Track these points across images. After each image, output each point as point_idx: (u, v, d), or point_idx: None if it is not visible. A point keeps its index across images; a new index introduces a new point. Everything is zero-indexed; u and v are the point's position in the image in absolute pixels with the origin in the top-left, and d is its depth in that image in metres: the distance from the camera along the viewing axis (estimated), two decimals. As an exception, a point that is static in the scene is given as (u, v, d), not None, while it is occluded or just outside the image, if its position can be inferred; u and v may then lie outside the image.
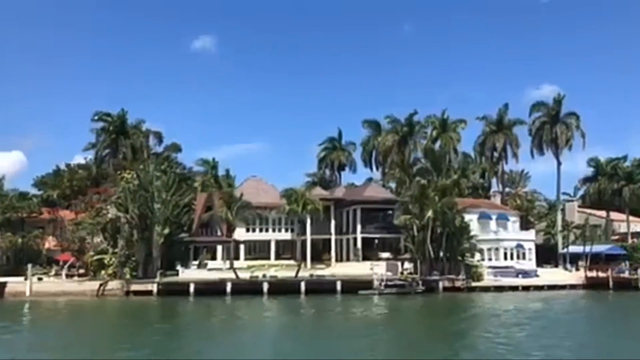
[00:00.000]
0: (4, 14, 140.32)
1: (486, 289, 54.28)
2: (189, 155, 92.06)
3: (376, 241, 64.82)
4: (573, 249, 68.97)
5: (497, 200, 80.00)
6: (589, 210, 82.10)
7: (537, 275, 59.84)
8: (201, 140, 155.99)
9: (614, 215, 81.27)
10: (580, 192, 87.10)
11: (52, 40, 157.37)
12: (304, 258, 63.03)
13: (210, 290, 49.72)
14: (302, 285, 50.86)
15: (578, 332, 30.18)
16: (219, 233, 60.97)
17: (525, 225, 75.03)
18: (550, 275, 61.49)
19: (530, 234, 70.57)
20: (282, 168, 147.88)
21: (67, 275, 56.07)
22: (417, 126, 74.00)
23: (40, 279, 54.01)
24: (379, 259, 59.99)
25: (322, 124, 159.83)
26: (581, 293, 54.34)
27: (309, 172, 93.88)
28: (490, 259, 65.41)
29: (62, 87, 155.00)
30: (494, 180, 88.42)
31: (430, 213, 53.14)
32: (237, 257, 62.92)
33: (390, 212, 63.09)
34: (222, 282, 50.99)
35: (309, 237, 63.45)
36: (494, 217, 70.85)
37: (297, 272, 53.40)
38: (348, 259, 64.81)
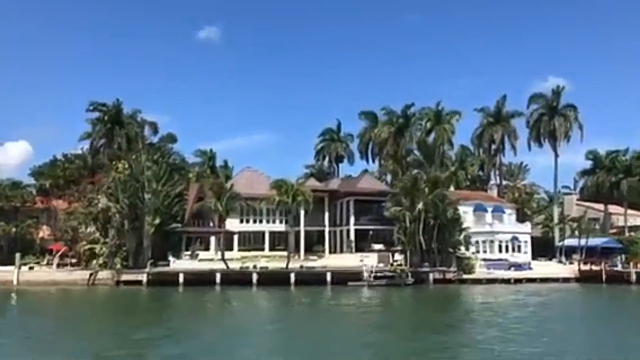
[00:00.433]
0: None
1: (478, 281, 54.08)
2: (193, 146, 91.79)
3: (371, 233, 64.58)
4: (569, 242, 68.51)
5: (494, 192, 79.73)
6: (587, 204, 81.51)
7: (530, 268, 59.52)
8: (206, 131, 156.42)
9: (613, 208, 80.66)
10: (580, 185, 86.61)
11: (57, 31, 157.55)
12: (297, 249, 63.09)
13: (200, 280, 49.69)
14: (292, 277, 50.92)
15: (550, 328, 28.18)
16: (211, 224, 60.95)
17: (521, 218, 74.63)
18: (544, 268, 61.15)
19: (526, 227, 70.18)
20: (288, 159, 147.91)
21: (59, 265, 56.20)
22: (413, 118, 73.53)
23: (31, 268, 54.24)
24: (372, 251, 59.86)
25: (328, 116, 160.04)
26: (573, 286, 53.97)
27: (308, 163, 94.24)
28: (485, 252, 65.23)
29: (67, 78, 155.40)
30: (493, 173, 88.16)
31: (420, 205, 52.83)
32: (230, 248, 62.92)
33: (384, 204, 62.72)
34: (211, 273, 51.04)
35: (302, 228, 63.35)
36: (489, 209, 70.67)
37: (287, 263, 53.32)
38: (342, 251, 64.68)
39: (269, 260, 56.50)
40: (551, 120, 74.12)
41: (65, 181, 66.72)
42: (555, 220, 73.39)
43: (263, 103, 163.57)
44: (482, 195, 76.73)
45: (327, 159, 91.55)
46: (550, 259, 67.16)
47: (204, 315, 34.67)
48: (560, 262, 65.64)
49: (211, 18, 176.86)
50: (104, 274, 51.82)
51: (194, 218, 60.78)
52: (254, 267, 52.62)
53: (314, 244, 65.35)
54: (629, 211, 78.85)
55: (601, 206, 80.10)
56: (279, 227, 67.43)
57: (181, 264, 54.09)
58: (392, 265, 53.94)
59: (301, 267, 53.72)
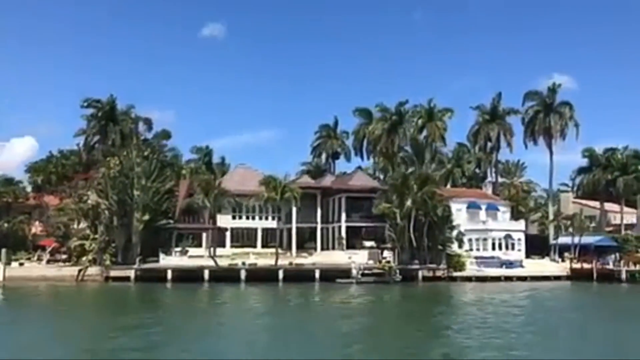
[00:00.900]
0: None
1: (467, 279, 53.96)
2: (197, 143, 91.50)
3: (363, 230, 64.36)
4: (563, 240, 68.12)
5: (489, 190, 79.45)
6: (584, 201, 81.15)
7: (522, 266, 59.24)
8: (210, 127, 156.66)
9: (609, 206, 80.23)
10: (577, 183, 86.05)
11: (63, 28, 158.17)
12: (289, 246, 63.01)
13: (188, 277, 49.82)
14: (280, 273, 50.94)
15: (526, 329, 27.20)
16: (203, 220, 60.92)
17: (516, 215, 74.28)
18: (536, 266, 60.89)
19: (520, 225, 69.76)
20: (292, 156, 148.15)
21: (50, 261, 56.48)
22: (407, 115, 73.20)
23: (21, 264, 54.47)
24: (363, 248, 59.67)
25: (333, 112, 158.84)
26: (563, 284, 53.82)
27: (306, 160, 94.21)
28: (478, 249, 64.99)
29: (72, 74, 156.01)
30: (489, 170, 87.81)
31: (409, 202, 52.64)
32: (223, 245, 62.99)
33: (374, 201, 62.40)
34: (200, 270, 51.06)
35: (294, 225, 63.22)
36: (483, 207, 70.24)
37: (276, 260, 53.29)
38: (334, 248, 64.48)
39: (259, 257, 56.39)
40: (546, 117, 73.63)
41: (58, 177, 66.84)
42: (551, 217, 72.96)
43: (268, 99, 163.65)
44: (477, 192, 76.38)
45: (323, 155, 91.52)
46: (543, 257, 66.77)
47: (186, 311, 34.65)
48: (553, 260, 65.36)
49: (215, 15, 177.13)
50: (93, 270, 51.92)
51: (185, 214, 60.82)
52: (243, 264, 52.59)
53: (306, 241, 65.14)
54: (625, 209, 78.32)
55: (597, 204, 79.70)
56: (272, 223, 67.38)
57: (170, 261, 54.08)
58: (380, 262, 53.76)
59: (290, 264, 53.72)
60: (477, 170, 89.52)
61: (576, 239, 64.57)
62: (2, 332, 25.21)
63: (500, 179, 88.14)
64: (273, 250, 61.58)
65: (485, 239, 66.45)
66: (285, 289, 47.13)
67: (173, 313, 33.74)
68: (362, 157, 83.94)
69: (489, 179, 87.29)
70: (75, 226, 58.34)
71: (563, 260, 63.30)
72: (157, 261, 53.97)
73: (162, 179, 57.11)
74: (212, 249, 54.62)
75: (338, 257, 57.47)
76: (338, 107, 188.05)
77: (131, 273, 50.97)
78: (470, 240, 64.95)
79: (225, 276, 50.09)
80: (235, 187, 63.86)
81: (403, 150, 71.34)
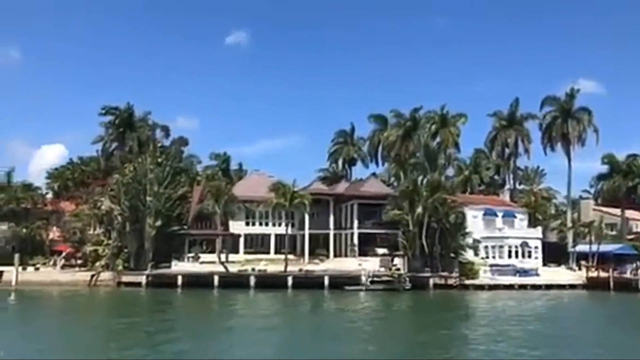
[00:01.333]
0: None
1: (480, 287, 53.06)
2: (218, 149, 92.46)
3: (377, 237, 63.98)
4: (581, 247, 66.77)
5: (506, 196, 78.29)
6: (605, 209, 79.44)
7: (537, 274, 58.09)
8: (232, 134, 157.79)
9: (630, 214, 78.44)
10: (597, 190, 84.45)
11: (86, 37, 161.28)
12: (302, 253, 62.94)
13: (198, 283, 50.15)
14: (289, 280, 50.89)
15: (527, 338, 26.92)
16: (215, 226, 61.22)
17: (534, 222, 73.08)
18: (552, 274, 59.67)
19: (537, 232, 68.56)
20: (315, 162, 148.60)
21: (65, 266, 57.38)
22: (421, 121, 72.73)
23: (37, 268, 55.47)
24: (375, 255, 59.30)
25: (352, 119, 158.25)
26: (578, 293, 52.68)
27: (324, 167, 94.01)
28: (494, 257, 64.17)
29: (98, 83, 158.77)
30: (507, 177, 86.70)
31: (420, 209, 52.20)
32: (236, 251, 63.19)
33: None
34: (210, 276, 51.36)
35: (307, 232, 63.21)
36: (499, 214, 69.34)
37: (285, 266, 53.30)
38: (346, 255, 64.20)
39: (270, 263, 56.38)
40: (564, 123, 72.49)
41: (75, 183, 67.94)
42: (569, 225, 71.64)
43: (291, 106, 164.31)
44: (493, 199, 75.40)
45: (340, 162, 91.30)
46: (559, 265, 65.53)
47: (193, 315, 34.87)
48: (569, 268, 64.06)
49: (239, 23, 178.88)
50: (105, 276, 52.64)
51: (198, 220, 61.19)
52: (252, 270, 52.72)
53: (319, 247, 65.06)
54: (647, 216, 76.61)
55: (619, 211, 78.01)
56: (285, 230, 67.34)
57: (182, 266, 54.52)
58: (390, 269, 53.34)
59: (300, 270, 53.66)
60: (497, 177, 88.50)
61: (595, 247, 63.24)
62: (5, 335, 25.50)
63: (519, 186, 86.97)
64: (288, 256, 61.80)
65: (501, 247, 65.52)
66: (294, 296, 47.06)
67: (176, 316, 33.88)
68: (377, 164, 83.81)
69: (508, 185, 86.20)
70: (90, 232, 59.40)
71: (580, 269, 61.99)
72: (169, 267, 54.52)
73: (174, 185, 57.61)
74: (220, 255, 54.79)
75: (350, 264, 57.17)
76: (357, 113, 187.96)
77: (142, 279, 51.52)
78: (486, 247, 64.29)
79: (235, 282, 50.30)
80: (245, 193, 64.00)
81: (415, 156, 70.73)
